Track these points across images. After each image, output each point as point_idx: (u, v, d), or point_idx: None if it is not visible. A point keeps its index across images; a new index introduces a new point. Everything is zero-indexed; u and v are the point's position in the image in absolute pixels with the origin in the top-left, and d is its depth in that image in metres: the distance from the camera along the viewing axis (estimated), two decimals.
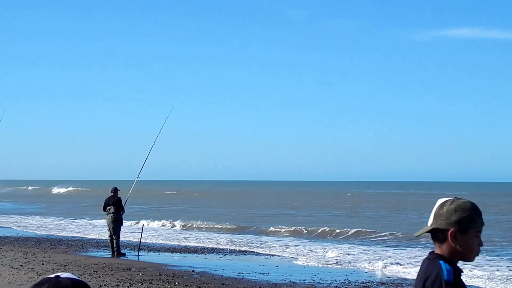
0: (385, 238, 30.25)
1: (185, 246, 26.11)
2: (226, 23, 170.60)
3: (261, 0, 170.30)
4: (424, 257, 3.60)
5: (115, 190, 22.76)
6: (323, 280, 17.30)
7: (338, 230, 32.55)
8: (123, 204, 22.71)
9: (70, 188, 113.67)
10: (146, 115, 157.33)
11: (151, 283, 15.80)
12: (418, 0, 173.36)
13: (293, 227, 34.43)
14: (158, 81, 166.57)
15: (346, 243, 27.71)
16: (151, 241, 28.02)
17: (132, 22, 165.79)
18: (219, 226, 36.01)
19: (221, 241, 28.21)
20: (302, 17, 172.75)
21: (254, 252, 24.54)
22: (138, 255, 22.58)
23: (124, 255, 22.36)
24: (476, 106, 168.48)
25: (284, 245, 26.40)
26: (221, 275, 17.71)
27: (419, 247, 25.35)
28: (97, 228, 34.80)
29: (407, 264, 20.72)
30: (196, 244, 27.16)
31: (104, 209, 22.87)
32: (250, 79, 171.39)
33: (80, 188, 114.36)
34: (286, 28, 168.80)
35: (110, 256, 22.22)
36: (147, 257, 22.30)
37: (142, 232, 25.16)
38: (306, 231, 33.04)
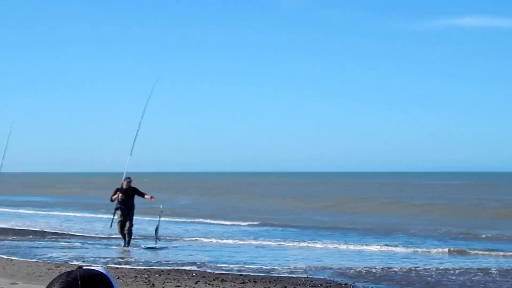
0: None
1: None
2: (217, 11, 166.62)
3: None
4: None
5: (130, 179, 23.11)
6: None
7: None
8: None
9: None
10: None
11: (168, 274, 15.81)
12: None
13: None
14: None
15: None
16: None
17: (118, 9, 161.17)
18: None
19: None
20: (298, 6, 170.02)
21: None
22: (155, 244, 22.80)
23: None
24: (486, 94, 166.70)
25: None
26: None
27: None
28: None
29: None
30: None
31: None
32: (244, 67, 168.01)
33: None
34: (282, 17, 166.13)
35: (124, 247, 22.26)
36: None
37: (159, 221, 24.59)
38: None
